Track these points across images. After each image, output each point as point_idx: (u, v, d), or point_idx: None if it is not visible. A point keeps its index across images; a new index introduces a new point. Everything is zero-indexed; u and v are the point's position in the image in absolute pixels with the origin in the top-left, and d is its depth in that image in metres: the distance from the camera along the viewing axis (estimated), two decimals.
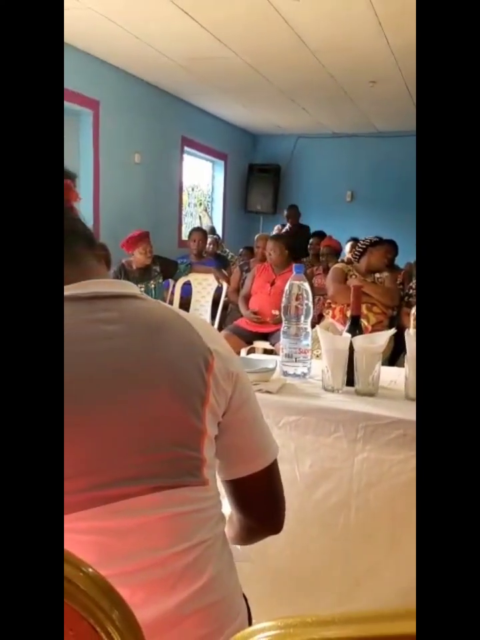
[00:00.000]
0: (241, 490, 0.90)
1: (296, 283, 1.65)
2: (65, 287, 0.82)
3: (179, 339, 0.82)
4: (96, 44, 4.61)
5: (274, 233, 6.03)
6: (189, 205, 7.21)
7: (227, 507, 0.89)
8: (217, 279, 4.61)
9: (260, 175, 7.73)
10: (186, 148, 6.55)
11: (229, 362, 0.85)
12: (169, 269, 4.51)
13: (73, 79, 4.65)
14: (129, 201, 5.53)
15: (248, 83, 5.40)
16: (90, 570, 0.51)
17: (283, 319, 1.67)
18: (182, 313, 0.86)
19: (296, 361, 1.65)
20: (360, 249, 3.44)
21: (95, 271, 0.88)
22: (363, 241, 3.48)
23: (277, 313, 3.92)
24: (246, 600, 0.88)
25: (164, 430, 0.77)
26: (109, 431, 0.74)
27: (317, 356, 1.91)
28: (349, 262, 3.65)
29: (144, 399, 0.77)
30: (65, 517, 0.72)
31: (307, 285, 1.65)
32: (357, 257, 3.45)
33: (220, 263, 5.33)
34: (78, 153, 4.97)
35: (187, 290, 4.73)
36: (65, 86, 4.54)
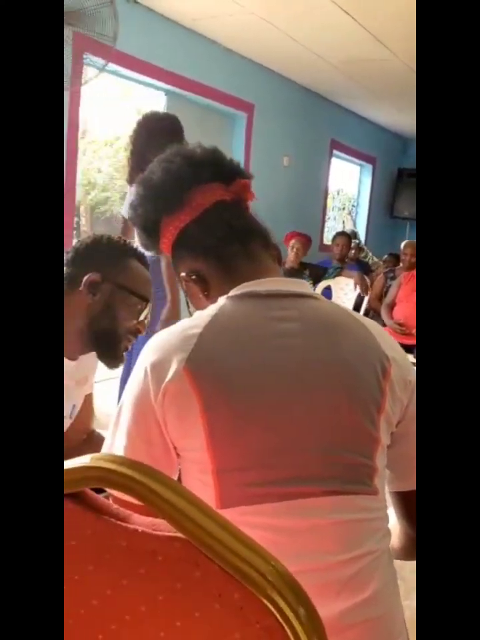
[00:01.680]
0: (413, 503, 0.86)
1: None
2: (243, 284, 0.84)
3: (356, 342, 0.80)
4: (254, 48, 4.71)
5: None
6: (332, 209, 7.16)
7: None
8: (356, 285, 4.54)
9: (410, 180, 7.47)
10: (334, 151, 6.51)
11: (406, 370, 0.82)
12: (317, 274, 4.53)
13: (229, 82, 4.79)
14: (275, 203, 5.59)
15: (405, 86, 5.23)
16: (278, 564, 0.51)
17: None
18: (359, 316, 0.85)
19: None
20: None
21: (270, 269, 0.89)
22: None
23: None
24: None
25: (339, 434, 0.76)
26: (285, 429, 0.75)
27: None
28: None
29: (321, 400, 0.76)
30: (237, 508, 0.73)
31: None
32: None
33: (362, 269, 5.24)
34: (230, 155, 5.10)
35: (327, 294, 4.69)
36: (222, 89, 4.70)
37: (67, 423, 1.30)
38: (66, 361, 1.21)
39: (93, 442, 1.37)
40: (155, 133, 2.35)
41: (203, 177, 0.92)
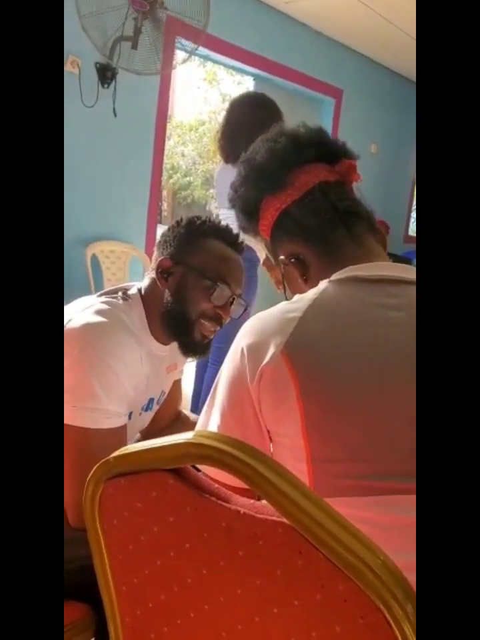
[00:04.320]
0: None
1: None
2: (347, 268, 0.81)
3: None
4: (346, 31, 4.60)
5: None
6: None
7: None
8: None
9: None
10: None
11: None
12: None
13: (318, 67, 4.71)
14: (360, 191, 5.47)
15: None
16: (388, 559, 0.49)
17: None
18: None
19: None
20: None
21: (377, 253, 0.86)
22: None
23: None
24: None
25: None
26: (387, 422, 0.72)
27: None
28: None
29: None
30: (334, 499, 0.71)
31: None
32: None
33: None
34: None
35: None
36: (310, 73, 4.62)
37: (155, 409, 1.32)
38: (157, 344, 1.21)
39: (180, 423, 1.38)
40: (253, 116, 2.34)
41: (307, 156, 0.89)
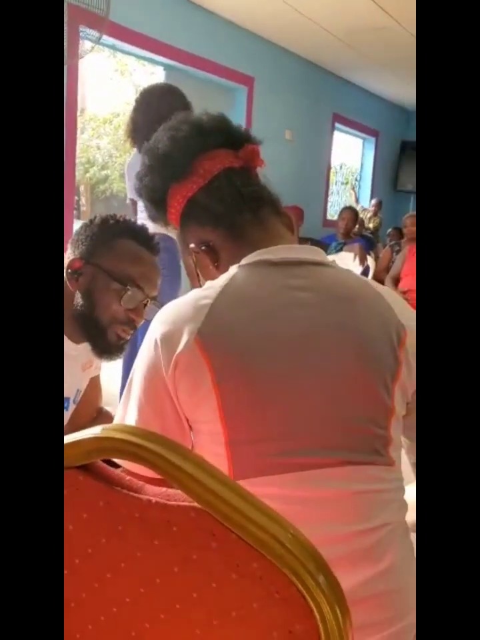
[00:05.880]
0: None
1: None
2: (255, 252, 0.82)
3: (371, 311, 0.79)
4: (254, 19, 4.62)
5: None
6: (335, 183, 7.09)
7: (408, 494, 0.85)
8: (355, 256, 4.51)
9: (414, 153, 7.37)
10: (337, 124, 6.42)
11: None
12: None
13: (229, 55, 4.71)
14: (278, 178, 5.49)
15: (408, 56, 5.11)
16: (298, 533, 0.50)
17: None
18: (375, 284, 0.83)
19: None
20: None
21: (283, 236, 0.87)
22: None
23: None
24: None
25: (353, 403, 0.75)
26: (298, 399, 0.73)
27: None
28: None
29: (335, 370, 0.75)
30: (251, 480, 0.72)
31: None
32: None
33: (366, 243, 5.20)
34: None
35: None
36: (222, 62, 4.62)
37: (72, 408, 1.28)
38: (70, 343, 1.18)
39: (102, 420, 1.36)
40: (162, 106, 2.32)
41: (210, 143, 0.89)
